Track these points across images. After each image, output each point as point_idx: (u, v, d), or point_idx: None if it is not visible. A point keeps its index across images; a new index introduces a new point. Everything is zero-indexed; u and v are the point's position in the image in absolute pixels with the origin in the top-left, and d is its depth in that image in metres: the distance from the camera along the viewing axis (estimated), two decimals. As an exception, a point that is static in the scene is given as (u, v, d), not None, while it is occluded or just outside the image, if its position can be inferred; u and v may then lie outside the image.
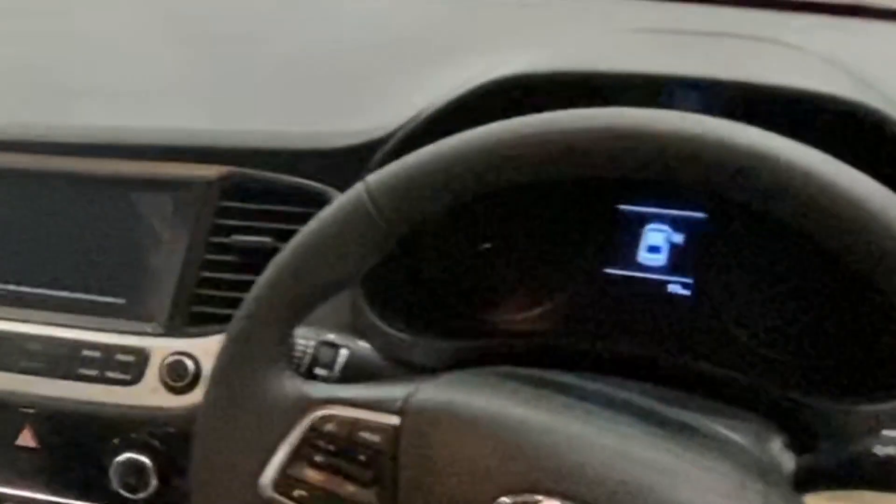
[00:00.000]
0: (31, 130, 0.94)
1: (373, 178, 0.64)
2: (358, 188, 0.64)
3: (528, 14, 1.09)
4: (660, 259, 0.85)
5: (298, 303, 0.66)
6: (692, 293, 0.84)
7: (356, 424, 0.65)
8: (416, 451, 0.64)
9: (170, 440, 0.89)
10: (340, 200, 0.65)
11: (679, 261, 0.84)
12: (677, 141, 0.57)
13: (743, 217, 0.82)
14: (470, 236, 0.88)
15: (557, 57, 0.86)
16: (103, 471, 0.91)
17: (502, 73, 0.83)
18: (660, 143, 0.57)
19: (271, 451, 0.67)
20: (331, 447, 0.66)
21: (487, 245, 0.88)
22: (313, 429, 0.66)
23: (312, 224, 0.65)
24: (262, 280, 0.66)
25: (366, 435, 0.65)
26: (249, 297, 0.67)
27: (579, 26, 1.00)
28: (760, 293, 0.83)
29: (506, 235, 0.87)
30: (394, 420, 0.65)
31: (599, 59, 0.86)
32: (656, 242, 0.85)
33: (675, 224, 0.84)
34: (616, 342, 0.85)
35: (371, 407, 0.65)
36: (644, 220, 0.85)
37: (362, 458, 0.65)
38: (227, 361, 0.68)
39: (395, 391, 0.66)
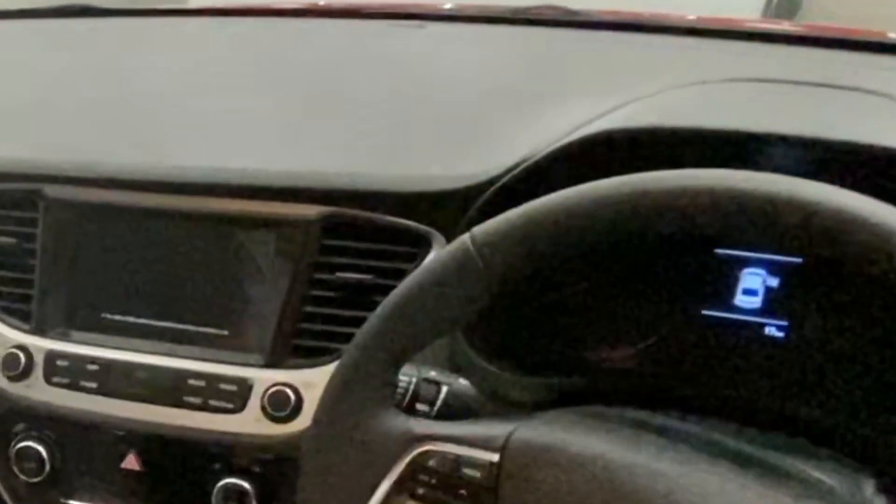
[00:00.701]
0: (143, 170, 1.01)
1: (479, 230, 0.70)
2: (464, 239, 0.70)
3: (620, 59, 1.14)
4: (756, 302, 0.88)
5: (405, 345, 0.72)
6: (787, 335, 0.88)
7: (458, 460, 0.71)
8: (516, 487, 0.69)
9: (270, 466, 0.95)
10: (447, 250, 0.71)
11: (774, 304, 0.88)
12: (788, 209, 0.62)
13: (837, 261, 0.86)
14: (569, 275, 0.92)
15: (657, 111, 0.91)
16: (205, 495, 0.97)
17: (603, 126, 0.88)
18: (769, 209, 0.62)
19: (376, 484, 0.72)
20: (433, 481, 0.71)
21: (587, 284, 0.92)
22: (416, 463, 0.72)
23: (421, 271, 0.72)
24: (372, 321, 0.73)
25: (467, 470, 0.70)
26: (359, 336, 0.73)
27: (672, 73, 1.04)
28: (854, 336, 0.86)
29: (605, 275, 0.91)
30: (494, 457, 0.70)
31: (699, 114, 0.91)
32: (752, 285, 0.88)
33: (771, 268, 0.88)
34: (711, 383, 0.89)
35: (473, 444, 0.71)
36: (741, 263, 0.88)
37: (463, 492, 0.71)
38: (335, 396, 0.74)
39: (495, 429, 0.71)
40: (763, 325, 0.88)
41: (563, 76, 1.11)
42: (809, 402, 0.85)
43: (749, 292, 0.88)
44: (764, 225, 0.63)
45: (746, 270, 0.89)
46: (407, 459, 0.72)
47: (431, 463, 0.72)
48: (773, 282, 0.88)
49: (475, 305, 0.71)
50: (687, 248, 0.89)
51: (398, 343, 0.72)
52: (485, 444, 0.70)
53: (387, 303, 0.73)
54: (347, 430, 0.73)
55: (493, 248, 0.70)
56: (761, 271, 0.88)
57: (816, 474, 0.70)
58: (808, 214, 0.62)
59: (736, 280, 0.89)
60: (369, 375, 0.73)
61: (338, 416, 0.73)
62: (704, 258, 0.89)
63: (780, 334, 0.88)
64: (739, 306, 0.89)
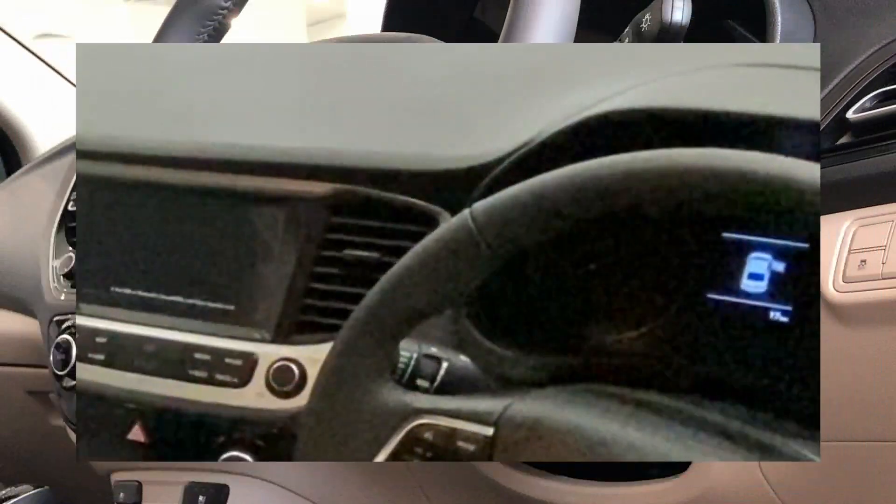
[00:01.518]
0: (153, 145, 1.04)
1: (479, 206, 0.73)
2: (464, 214, 0.73)
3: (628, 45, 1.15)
4: (761, 286, 0.90)
5: (404, 318, 0.74)
6: (791, 320, 0.89)
7: (453, 434, 0.73)
8: (509, 460, 0.71)
9: (273, 440, 0.98)
10: (447, 225, 0.74)
11: (780, 288, 0.89)
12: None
13: None
14: (575, 257, 0.94)
15: (663, 94, 0.92)
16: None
17: (609, 107, 0.90)
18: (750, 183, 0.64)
19: (372, 456, 0.75)
20: (428, 454, 0.73)
21: (592, 266, 0.94)
22: (412, 436, 0.74)
23: (421, 245, 0.74)
24: (372, 295, 0.75)
25: (462, 444, 0.73)
26: (359, 311, 0.75)
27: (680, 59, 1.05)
28: None
29: (611, 258, 0.93)
30: (489, 431, 0.72)
31: (704, 97, 0.92)
32: (758, 270, 0.90)
33: (777, 252, 0.89)
34: (713, 366, 0.90)
35: (468, 418, 0.73)
36: (748, 248, 0.90)
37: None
38: (335, 369, 0.76)
39: (491, 404, 0.73)
40: (768, 310, 0.90)
41: (567, 65, 1.12)
42: (811, 386, 0.86)
43: (755, 276, 0.90)
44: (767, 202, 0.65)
45: (752, 255, 0.90)
46: (403, 432, 0.74)
47: (427, 436, 0.74)
48: (779, 266, 0.89)
49: (474, 281, 0.74)
50: (694, 230, 0.91)
51: (396, 318, 0.74)
52: (480, 419, 0.73)
53: (386, 278, 0.75)
54: (344, 402, 0.75)
55: (494, 224, 0.72)
56: (767, 256, 0.89)
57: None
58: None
59: (742, 264, 0.90)
60: (367, 349, 0.75)
61: (335, 389, 0.76)
62: (711, 242, 0.91)
63: (785, 319, 0.89)
64: (745, 290, 0.90)
